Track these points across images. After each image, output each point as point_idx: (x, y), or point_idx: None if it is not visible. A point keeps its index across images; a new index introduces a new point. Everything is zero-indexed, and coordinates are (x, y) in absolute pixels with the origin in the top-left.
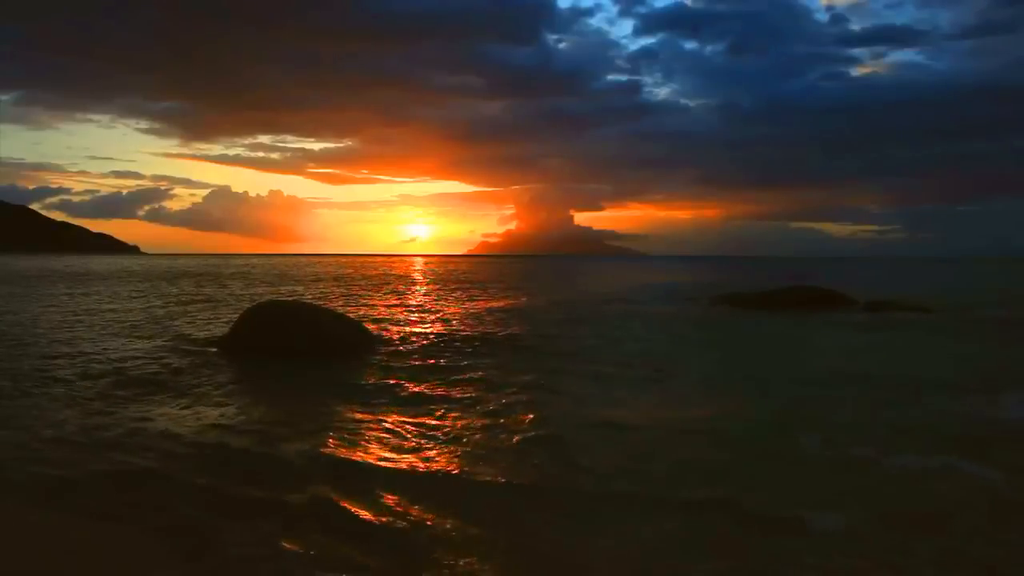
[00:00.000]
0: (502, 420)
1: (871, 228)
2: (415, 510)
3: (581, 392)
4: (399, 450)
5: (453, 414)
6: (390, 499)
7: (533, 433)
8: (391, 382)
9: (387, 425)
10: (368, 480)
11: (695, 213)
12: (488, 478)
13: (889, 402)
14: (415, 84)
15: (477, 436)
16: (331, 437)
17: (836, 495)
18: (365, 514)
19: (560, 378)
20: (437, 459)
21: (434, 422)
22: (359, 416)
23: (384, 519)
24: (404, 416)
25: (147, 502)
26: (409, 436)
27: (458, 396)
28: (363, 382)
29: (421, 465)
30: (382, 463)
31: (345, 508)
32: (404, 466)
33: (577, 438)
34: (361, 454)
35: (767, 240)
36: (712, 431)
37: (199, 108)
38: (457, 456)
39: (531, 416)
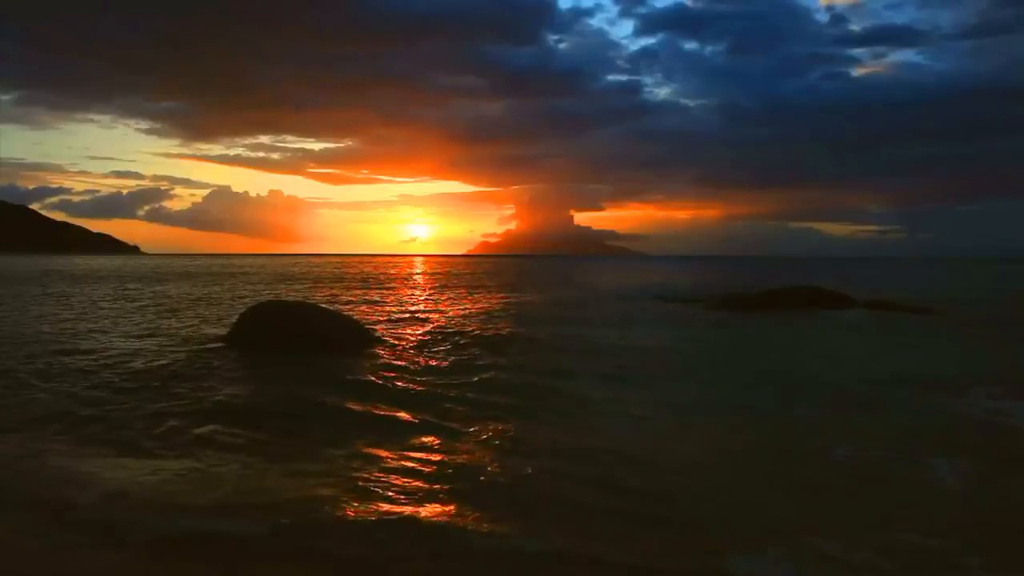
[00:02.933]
0: (480, 442)
1: (871, 228)
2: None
3: (567, 409)
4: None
5: (440, 439)
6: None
7: (511, 462)
8: (385, 390)
9: (371, 459)
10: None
11: (695, 213)
12: (479, 528)
13: (892, 404)
14: (415, 84)
15: (458, 467)
16: (314, 476)
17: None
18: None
19: (549, 390)
20: (410, 502)
21: (420, 454)
22: (347, 448)
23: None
24: (390, 446)
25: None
26: (389, 472)
27: (445, 413)
28: (357, 388)
29: (393, 508)
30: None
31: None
32: (383, 508)
33: (554, 473)
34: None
35: (767, 240)
36: (716, 450)
37: (199, 108)
38: (434, 497)
39: (510, 442)
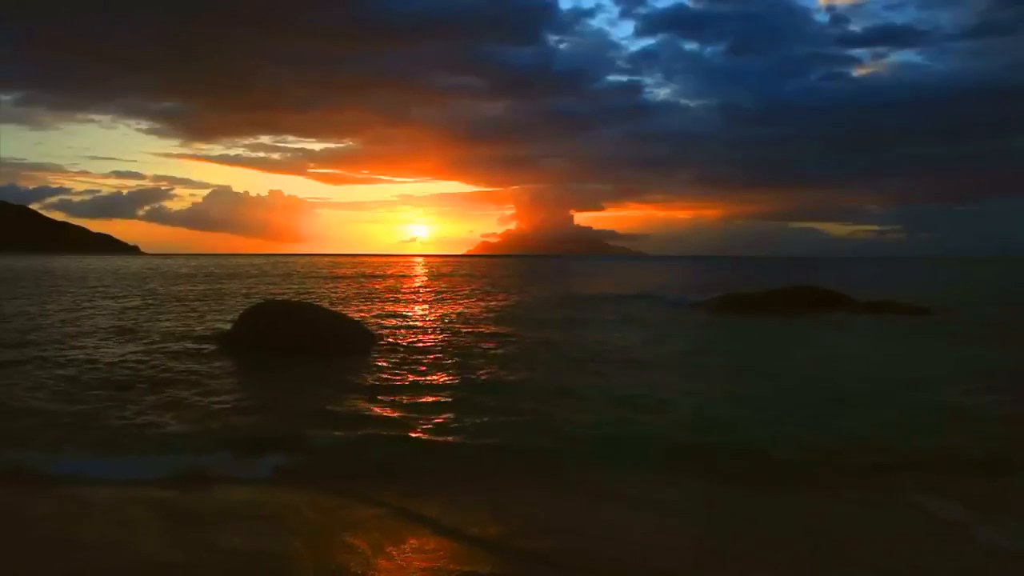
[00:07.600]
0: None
1: (871, 228)
2: None
3: (566, 410)
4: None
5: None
6: None
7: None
8: (383, 399)
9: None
10: None
11: (695, 213)
12: None
13: (883, 400)
14: (415, 84)
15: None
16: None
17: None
18: None
19: (552, 394)
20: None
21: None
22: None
23: None
24: (383, 477)
25: None
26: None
27: (446, 421)
28: (355, 395)
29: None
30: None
31: None
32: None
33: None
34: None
35: (767, 240)
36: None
37: (200, 108)
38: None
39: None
